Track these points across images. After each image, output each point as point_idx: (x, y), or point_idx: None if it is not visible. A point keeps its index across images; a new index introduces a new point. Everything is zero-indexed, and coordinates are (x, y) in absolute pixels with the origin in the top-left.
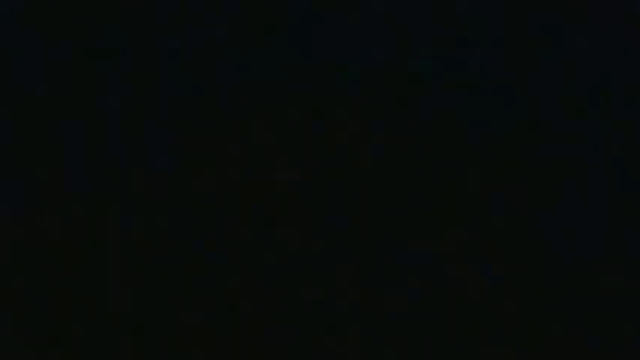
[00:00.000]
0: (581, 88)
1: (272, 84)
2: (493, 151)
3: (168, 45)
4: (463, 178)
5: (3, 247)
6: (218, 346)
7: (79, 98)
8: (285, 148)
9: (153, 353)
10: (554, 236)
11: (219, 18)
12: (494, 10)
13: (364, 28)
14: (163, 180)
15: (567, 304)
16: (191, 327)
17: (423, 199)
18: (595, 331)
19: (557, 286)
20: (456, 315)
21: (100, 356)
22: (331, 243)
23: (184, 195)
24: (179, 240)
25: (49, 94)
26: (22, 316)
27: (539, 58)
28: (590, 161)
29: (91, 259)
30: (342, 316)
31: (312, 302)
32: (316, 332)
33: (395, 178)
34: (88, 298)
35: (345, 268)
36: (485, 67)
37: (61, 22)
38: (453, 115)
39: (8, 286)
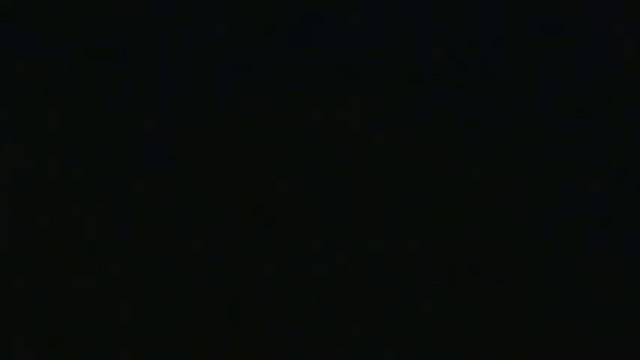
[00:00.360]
0: (582, 87)
1: (272, 84)
2: (493, 151)
3: (168, 45)
4: (463, 178)
5: (3, 247)
6: (218, 346)
7: (79, 98)
8: (285, 148)
9: (153, 353)
10: (554, 236)
11: (219, 18)
12: (494, 10)
13: (364, 28)
14: (163, 180)
15: (567, 304)
16: (191, 327)
17: (423, 199)
18: (595, 331)
19: (557, 286)
20: (457, 315)
21: (100, 356)
22: (331, 243)
23: (184, 195)
24: (179, 240)
25: (49, 94)
26: (22, 316)
27: (540, 58)
28: (590, 161)
29: (91, 259)
30: (342, 316)
31: (312, 302)
32: (316, 332)
33: (395, 178)
34: (88, 298)
35: (345, 268)
36: (485, 67)
37: (61, 22)
38: (453, 115)
39: (8, 286)
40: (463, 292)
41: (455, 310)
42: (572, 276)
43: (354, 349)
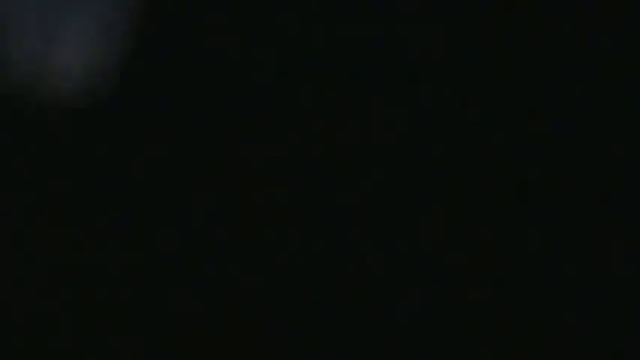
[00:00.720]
0: (583, 87)
1: (271, 84)
2: (493, 151)
3: (169, 44)
4: (463, 178)
5: (3, 247)
6: (218, 346)
7: (79, 98)
8: (285, 148)
9: (153, 353)
10: (554, 236)
11: (218, 17)
12: (494, 9)
13: (365, 28)
14: (163, 180)
15: (567, 304)
16: (191, 326)
17: (423, 199)
18: (595, 332)
19: (557, 286)
20: (456, 315)
21: (99, 356)
22: (331, 243)
23: (184, 195)
24: (179, 240)
25: (51, 94)
26: (22, 316)
27: (540, 58)
28: (590, 161)
29: (91, 259)
30: (341, 316)
31: (311, 302)
32: (316, 332)
33: (395, 178)
34: (87, 298)
35: (345, 268)
36: (485, 67)
37: None
38: (454, 115)
39: (8, 287)
40: (463, 292)
41: (455, 310)
42: (572, 276)
43: (354, 349)
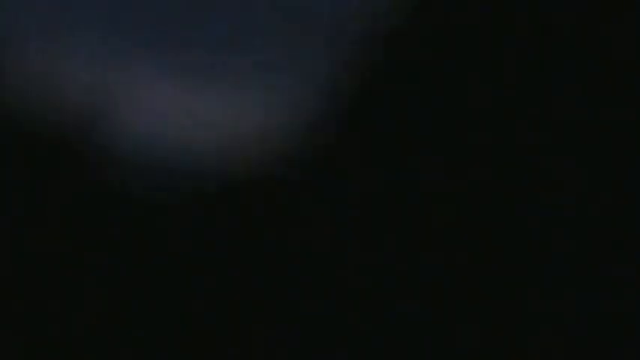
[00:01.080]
0: (583, 87)
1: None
2: (493, 151)
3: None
4: (463, 178)
5: (3, 246)
6: (218, 346)
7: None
8: (284, 147)
9: (152, 353)
10: (554, 236)
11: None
12: (495, 10)
13: (364, 28)
14: (163, 179)
15: (567, 304)
16: (191, 327)
17: (423, 199)
18: (595, 332)
19: (557, 286)
20: (456, 315)
21: (99, 356)
22: (331, 243)
23: (184, 195)
24: (179, 240)
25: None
26: (22, 317)
27: (541, 58)
28: (590, 160)
29: (91, 259)
30: (341, 316)
31: (312, 302)
32: (316, 332)
33: (395, 178)
34: (87, 299)
35: (345, 268)
36: (485, 67)
37: None
38: (454, 115)
39: (8, 287)
40: (463, 292)
41: (455, 310)
42: (572, 276)
43: (354, 349)
